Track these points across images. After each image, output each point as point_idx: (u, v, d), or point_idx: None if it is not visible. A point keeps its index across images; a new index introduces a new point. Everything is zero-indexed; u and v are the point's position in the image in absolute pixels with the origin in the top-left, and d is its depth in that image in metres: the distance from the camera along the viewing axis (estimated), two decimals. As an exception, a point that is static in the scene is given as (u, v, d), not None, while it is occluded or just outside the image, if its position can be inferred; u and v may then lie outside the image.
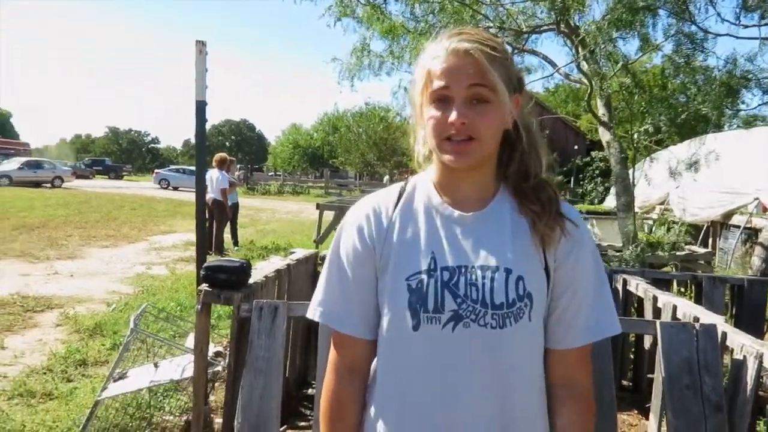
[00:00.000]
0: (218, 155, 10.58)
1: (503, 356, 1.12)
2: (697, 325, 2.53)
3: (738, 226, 10.87)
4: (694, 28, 6.55)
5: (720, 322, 2.81)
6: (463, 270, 1.12)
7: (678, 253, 7.12)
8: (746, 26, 6.66)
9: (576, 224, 1.18)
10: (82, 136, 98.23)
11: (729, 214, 11.27)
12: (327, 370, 1.26)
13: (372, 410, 1.21)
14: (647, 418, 3.48)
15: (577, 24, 7.14)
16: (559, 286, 1.17)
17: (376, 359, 1.24)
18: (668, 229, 8.75)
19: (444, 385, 1.12)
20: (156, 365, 3.24)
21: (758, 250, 5.80)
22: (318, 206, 9.98)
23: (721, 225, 11.82)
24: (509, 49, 7.92)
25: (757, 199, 10.54)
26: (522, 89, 1.19)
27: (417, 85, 1.16)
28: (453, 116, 1.07)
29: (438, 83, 1.09)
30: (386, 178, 44.08)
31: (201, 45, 3.18)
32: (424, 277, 1.12)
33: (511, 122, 1.16)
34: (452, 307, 1.11)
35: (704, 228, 12.02)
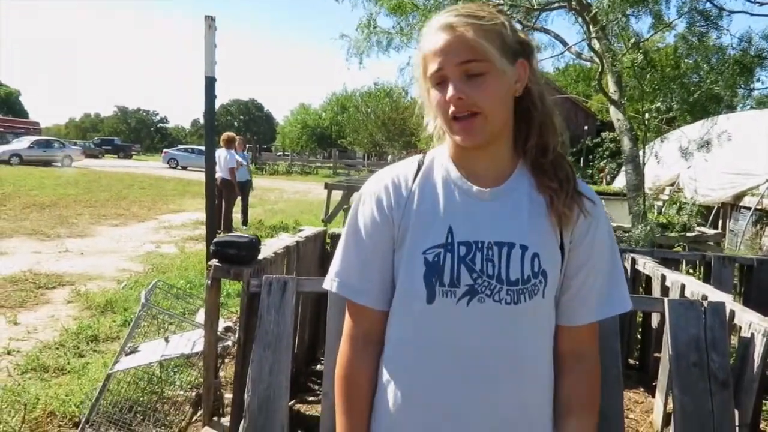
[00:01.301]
0: (226, 134, 10.57)
1: (516, 332, 1.13)
2: (705, 303, 2.53)
3: (749, 208, 10.79)
4: (708, 5, 6.47)
5: (728, 301, 2.81)
6: (479, 245, 1.12)
7: (688, 234, 7.09)
8: (762, 3, 6.56)
9: (594, 202, 1.19)
10: (91, 115, 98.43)
11: (740, 196, 11.18)
12: (342, 340, 1.26)
13: (384, 379, 1.21)
14: (653, 396, 3.50)
15: (590, 1, 7.04)
16: (575, 264, 1.18)
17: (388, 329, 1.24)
18: (679, 209, 8.70)
19: (456, 358, 1.13)
20: (167, 340, 3.28)
21: (769, 230, 5.75)
22: (326, 186, 10.00)
23: (731, 206, 11.73)
24: (516, 25, 7.83)
25: (768, 180, 10.45)
26: (529, 54, 1.15)
27: (419, 70, 1.16)
28: (449, 93, 1.07)
29: (432, 66, 1.09)
30: (390, 158, 43.97)
31: (210, 20, 3.17)
32: (441, 250, 1.12)
33: (520, 89, 1.14)
34: (468, 281, 1.11)
35: (714, 209, 11.95)
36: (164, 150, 40.65)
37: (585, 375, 1.23)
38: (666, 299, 2.58)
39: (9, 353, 4.44)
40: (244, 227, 11.01)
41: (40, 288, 6.30)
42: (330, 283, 1.24)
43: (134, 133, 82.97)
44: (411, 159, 1.25)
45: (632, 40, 6.51)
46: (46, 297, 6.03)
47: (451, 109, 1.08)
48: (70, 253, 8.30)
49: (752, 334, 2.47)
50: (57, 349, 4.54)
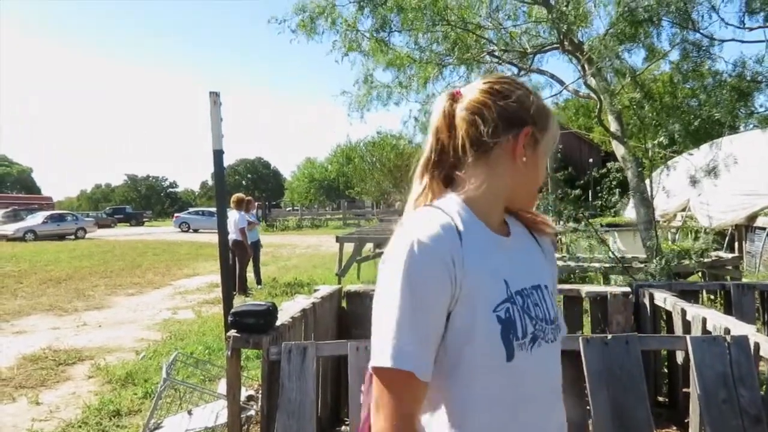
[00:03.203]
0: (235, 196, 10.71)
1: (557, 366, 1.25)
2: (728, 338, 2.50)
3: (763, 228, 10.70)
4: (698, 35, 6.57)
5: (752, 332, 2.78)
6: (526, 292, 1.18)
7: (704, 260, 7.02)
8: (751, 29, 6.66)
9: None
10: (102, 186, 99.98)
11: (753, 216, 11.10)
12: (386, 421, 1.09)
13: None
14: (687, 434, 3.41)
15: (581, 40, 7.18)
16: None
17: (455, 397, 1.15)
18: (695, 238, 8.63)
19: (531, 405, 1.16)
20: (190, 413, 3.27)
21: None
22: (338, 239, 10.04)
23: (746, 228, 11.64)
24: (515, 70, 8.04)
25: (780, 199, 10.40)
26: None
27: (545, 129, 1.24)
28: (543, 177, 1.25)
29: (553, 146, 1.27)
30: (398, 203, 44.05)
31: (215, 96, 3.27)
32: (509, 305, 1.13)
33: None
34: (531, 330, 1.15)
35: (729, 232, 11.85)
36: (175, 214, 41.07)
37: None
38: (688, 337, 2.56)
39: (33, 436, 4.42)
40: (259, 287, 11.02)
41: (60, 365, 6.30)
42: (391, 358, 1.06)
43: (145, 200, 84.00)
44: (435, 212, 1.16)
45: (628, 77, 6.61)
46: (67, 374, 6.02)
47: (541, 185, 1.26)
48: (88, 326, 8.32)
49: (779, 366, 2.43)
50: (80, 427, 4.51)
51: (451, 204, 1.19)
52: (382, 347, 1.07)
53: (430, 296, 1.07)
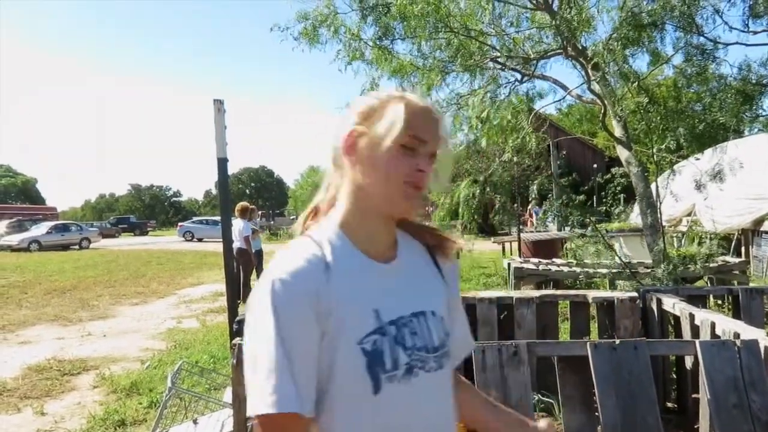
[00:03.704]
0: (240, 204, 10.71)
1: (444, 395, 1.20)
2: (738, 342, 2.48)
3: (769, 232, 10.65)
4: (702, 39, 6.56)
5: (762, 336, 2.75)
6: (403, 321, 1.13)
7: (711, 265, 6.98)
8: (755, 32, 6.66)
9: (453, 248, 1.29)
10: (106, 196, 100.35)
11: (760, 221, 11.05)
12: None
13: None
14: (697, 441, 3.38)
15: (585, 46, 7.18)
16: (453, 310, 1.29)
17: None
18: (700, 243, 8.59)
19: None
20: (195, 422, 3.25)
21: (793, 256, 5.67)
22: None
23: (752, 232, 11.59)
24: (518, 76, 8.04)
25: (786, 203, 10.35)
26: None
27: (384, 124, 1.12)
28: (423, 165, 1.11)
29: (418, 131, 1.11)
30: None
31: (219, 104, 3.27)
32: (377, 336, 1.09)
33: None
34: (405, 360, 1.11)
35: (735, 236, 11.79)
36: (179, 223, 41.14)
37: (469, 386, 1.43)
38: (697, 341, 2.53)
39: (37, 446, 4.40)
40: (264, 295, 10.99)
41: (65, 375, 6.29)
42: (273, 403, 1.01)
43: (149, 210, 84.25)
44: (304, 243, 1.14)
45: (633, 82, 6.59)
46: (72, 384, 6.01)
47: (414, 179, 1.11)
48: (93, 336, 8.31)
49: (791, 370, 2.40)
50: (85, 437, 4.50)
51: (325, 230, 1.16)
52: (261, 393, 1.03)
53: (299, 333, 1.05)
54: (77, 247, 30.46)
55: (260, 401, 1.02)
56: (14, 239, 29.40)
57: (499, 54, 7.65)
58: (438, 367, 1.16)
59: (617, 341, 2.53)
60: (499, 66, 7.86)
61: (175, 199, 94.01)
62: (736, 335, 2.83)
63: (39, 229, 31.44)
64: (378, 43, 7.67)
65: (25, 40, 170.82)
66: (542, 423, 1.36)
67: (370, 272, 1.15)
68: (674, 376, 4.37)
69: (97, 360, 6.87)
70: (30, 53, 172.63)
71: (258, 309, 1.06)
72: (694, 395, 3.70)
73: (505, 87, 7.96)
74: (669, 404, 4.23)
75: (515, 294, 4.65)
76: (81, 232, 32.41)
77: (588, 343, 2.54)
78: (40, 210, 50.65)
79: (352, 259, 1.14)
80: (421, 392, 1.13)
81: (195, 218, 45.60)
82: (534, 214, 19.69)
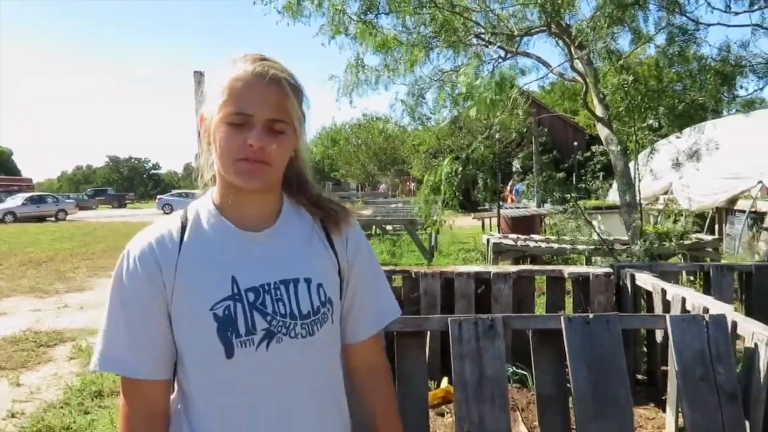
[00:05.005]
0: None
1: (316, 361, 1.19)
2: (706, 317, 2.54)
3: (743, 211, 10.85)
4: (684, 19, 6.58)
5: (729, 311, 2.82)
6: (266, 287, 1.15)
7: (685, 243, 7.10)
8: (737, 13, 6.69)
9: (354, 225, 1.31)
10: (83, 167, 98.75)
11: (734, 199, 11.26)
12: (120, 423, 1.18)
13: None
14: (664, 411, 3.48)
15: (568, 24, 7.17)
16: (354, 283, 1.29)
17: (175, 394, 1.21)
18: (675, 221, 8.73)
19: (269, 403, 1.15)
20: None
21: (765, 235, 5.80)
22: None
23: (726, 211, 11.80)
24: (501, 53, 8.00)
25: (760, 182, 10.54)
26: (304, 121, 1.21)
27: (214, 103, 1.12)
28: (252, 139, 1.08)
29: (240, 107, 1.09)
30: (382, 186, 44.07)
31: (199, 76, 3.21)
32: (230, 302, 1.11)
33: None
34: (264, 326, 1.12)
35: (710, 215, 12.00)
36: (158, 196, 40.74)
37: (383, 383, 1.37)
38: (668, 316, 2.59)
39: (13, 416, 4.38)
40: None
41: (41, 346, 6.25)
42: (96, 363, 1.15)
43: (127, 182, 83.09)
44: (173, 216, 1.21)
45: (616, 61, 6.60)
46: (48, 355, 5.98)
47: (247, 154, 1.09)
48: (70, 308, 8.26)
49: (755, 344, 2.47)
50: (62, 408, 4.49)
51: (202, 202, 1.22)
52: (95, 352, 1.16)
53: (135, 303, 1.13)
54: (53, 219, 30.07)
55: (92, 359, 1.15)
56: (-11, 210, 28.91)
57: (483, 30, 7.61)
58: (308, 333, 1.16)
59: (591, 315, 2.58)
60: (483, 43, 7.82)
61: (154, 171, 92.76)
62: (705, 310, 2.90)
63: (14, 201, 30.93)
64: (362, 17, 7.57)
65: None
66: None
67: (233, 241, 1.17)
68: (645, 349, 4.47)
69: (74, 332, 6.83)
70: (1, 21, 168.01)
71: (112, 279, 1.18)
72: (663, 367, 3.79)
73: (489, 63, 7.94)
74: (639, 376, 4.34)
75: (493, 269, 4.70)
76: (57, 204, 31.95)
77: (562, 317, 2.59)
78: (15, 181, 49.78)
79: (215, 229, 1.17)
80: (285, 357, 1.14)
81: (174, 191, 45.11)
82: (515, 191, 19.79)
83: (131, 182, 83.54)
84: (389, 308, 1.36)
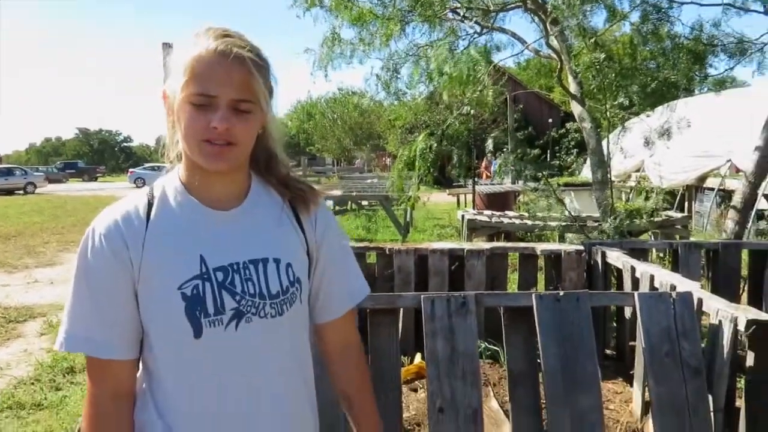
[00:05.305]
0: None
1: (285, 341, 1.20)
2: (673, 294, 2.59)
3: (712, 189, 11.07)
4: (658, -4, 6.60)
5: (696, 289, 2.89)
6: (235, 267, 1.14)
7: (655, 220, 7.24)
8: (711, -8, 6.73)
9: (322, 205, 1.31)
10: (52, 140, 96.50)
11: (703, 177, 11.46)
12: (85, 404, 1.16)
13: (159, 427, 1.15)
14: (632, 386, 3.57)
15: (545, 0, 7.14)
16: (323, 263, 1.29)
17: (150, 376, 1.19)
18: (646, 198, 8.87)
19: (238, 383, 1.15)
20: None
21: (731, 213, 5.92)
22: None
23: (696, 188, 12.02)
24: (477, 28, 7.96)
25: (729, 161, 10.74)
26: (272, 97, 1.18)
27: (176, 81, 1.09)
28: (216, 121, 1.06)
29: (202, 87, 1.06)
30: (358, 161, 43.90)
31: (168, 48, 3.12)
32: (199, 281, 1.11)
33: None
34: (232, 305, 1.12)
35: (680, 192, 12.22)
36: (130, 170, 40.08)
37: (356, 361, 1.38)
38: (636, 293, 2.64)
39: (-17, 393, 4.34)
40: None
41: (11, 322, 6.16)
42: (61, 343, 1.12)
43: (98, 155, 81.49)
44: (139, 192, 1.18)
45: (590, 38, 6.61)
46: (18, 331, 5.90)
47: (212, 135, 1.07)
48: (40, 283, 8.12)
49: (720, 321, 2.54)
50: (32, 384, 4.45)
51: (169, 180, 1.20)
52: (60, 332, 1.14)
53: (101, 281, 1.11)
54: (22, 192, 29.46)
55: (58, 339, 1.14)
56: (-46, 183, 28.19)
57: (459, 5, 7.55)
58: (277, 313, 1.16)
59: (561, 293, 2.62)
60: (459, 17, 7.77)
61: (125, 144, 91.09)
62: (673, 287, 2.97)
63: (-20, 173, 30.18)
64: (337, -12, 7.46)
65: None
66: None
67: (201, 219, 1.15)
68: (615, 324, 4.57)
69: (44, 307, 6.74)
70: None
71: (77, 257, 1.15)
72: (631, 343, 3.88)
73: (464, 39, 7.90)
74: (608, 351, 4.43)
75: (466, 246, 4.74)
76: (26, 177, 31.28)
77: (533, 294, 2.63)
78: (-19, 153, 48.47)
79: (183, 208, 1.15)
80: (254, 337, 1.14)
81: (147, 164, 44.38)
82: (491, 164, 19.89)
83: (102, 155, 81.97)
84: (360, 287, 1.37)
